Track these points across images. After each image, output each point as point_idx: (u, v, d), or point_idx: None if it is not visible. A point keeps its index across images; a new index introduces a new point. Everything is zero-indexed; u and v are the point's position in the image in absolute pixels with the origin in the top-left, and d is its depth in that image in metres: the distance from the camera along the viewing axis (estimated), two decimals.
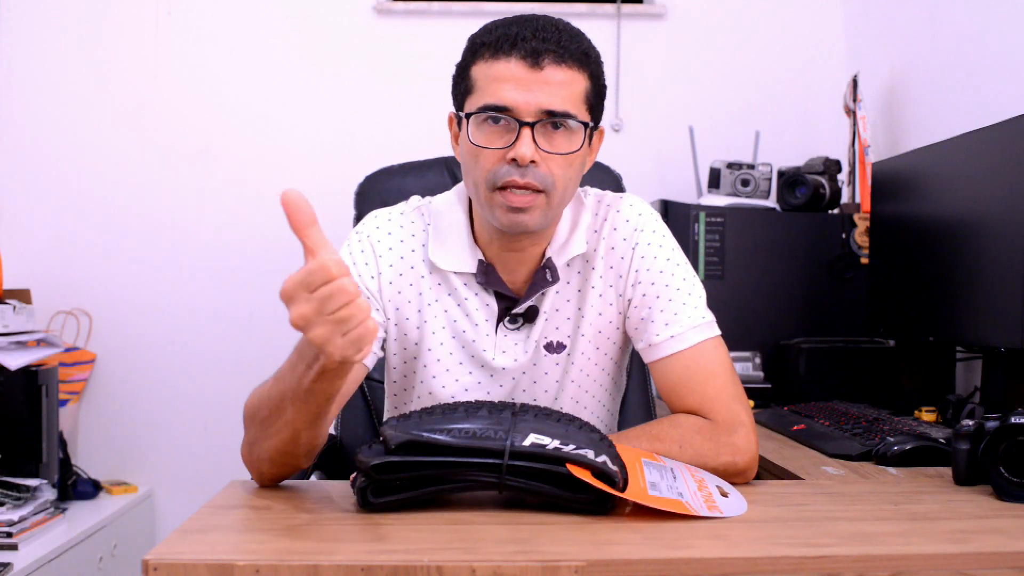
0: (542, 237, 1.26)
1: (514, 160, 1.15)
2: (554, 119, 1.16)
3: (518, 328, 1.29)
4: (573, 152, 1.18)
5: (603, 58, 1.24)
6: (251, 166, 2.69)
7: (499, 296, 1.28)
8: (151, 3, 2.67)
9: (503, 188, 1.17)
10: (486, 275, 1.27)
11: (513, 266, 1.27)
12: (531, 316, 1.28)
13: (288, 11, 2.70)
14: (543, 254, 1.27)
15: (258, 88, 2.70)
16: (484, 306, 1.28)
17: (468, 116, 1.19)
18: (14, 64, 2.66)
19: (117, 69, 2.67)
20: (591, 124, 1.20)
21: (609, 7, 2.71)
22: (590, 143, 1.23)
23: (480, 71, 1.18)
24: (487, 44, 1.18)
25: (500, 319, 1.29)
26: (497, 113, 1.16)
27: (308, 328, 0.90)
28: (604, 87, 1.24)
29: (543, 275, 1.26)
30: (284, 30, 2.70)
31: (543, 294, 1.28)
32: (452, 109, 1.25)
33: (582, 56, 1.18)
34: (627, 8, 2.71)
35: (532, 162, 1.15)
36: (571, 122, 1.17)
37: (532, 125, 1.15)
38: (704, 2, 2.75)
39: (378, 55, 2.70)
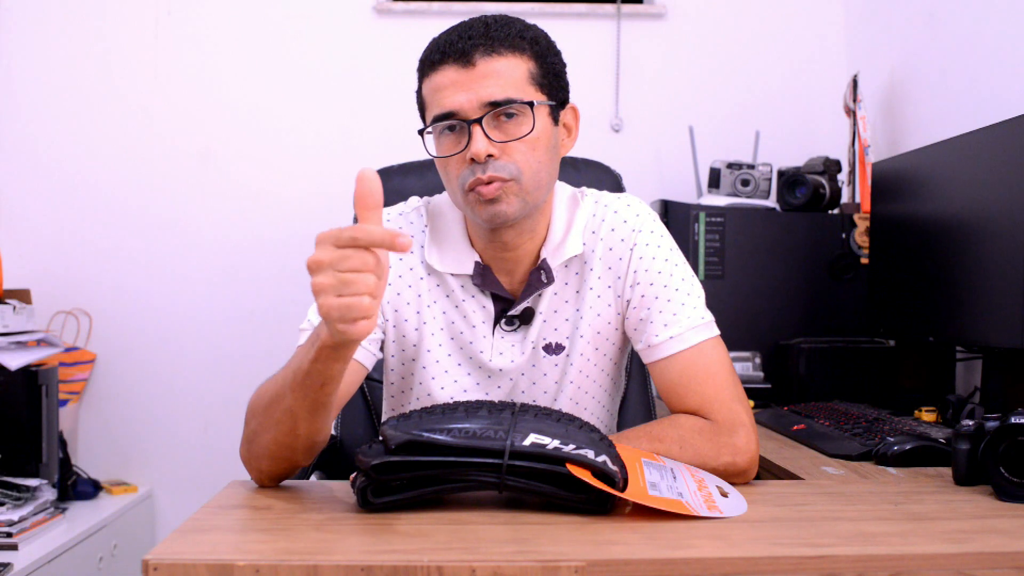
0: (532, 233, 1.26)
1: (473, 159, 1.16)
2: (498, 108, 1.16)
3: (515, 330, 1.29)
4: (527, 135, 1.18)
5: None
6: (251, 166, 2.69)
7: (495, 298, 1.28)
8: (151, 3, 2.67)
9: (472, 188, 1.18)
10: (482, 277, 1.27)
11: (509, 267, 1.27)
12: (527, 318, 1.28)
13: (288, 11, 2.70)
14: (538, 255, 1.27)
15: (258, 88, 2.70)
16: (481, 308, 1.28)
17: (423, 133, 1.22)
18: (15, 64, 2.66)
19: (117, 68, 2.67)
20: (538, 102, 1.19)
21: (609, 7, 2.71)
22: (556, 122, 1.23)
23: (426, 88, 1.21)
24: (425, 61, 1.21)
25: (497, 321, 1.29)
26: (445, 121, 1.17)
27: (314, 274, 0.91)
28: (556, 63, 1.23)
29: (538, 276, 1.26)
30: (284, 30, 2.70)
31: (539, 295, 1.28)
32: None
33: (515, 40, 1.18)
34: (627, 8, 2.71)
35: (491, 156, 1.16)
36: (517, 106, 1.17)
37: (479, 121, 1.16)
38: (704, 2, 2.75)
39: (378, 55, 2.70)
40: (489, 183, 1.17)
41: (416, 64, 1.24)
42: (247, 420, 1.11)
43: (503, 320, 1.28)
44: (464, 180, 1.18)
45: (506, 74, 1.17)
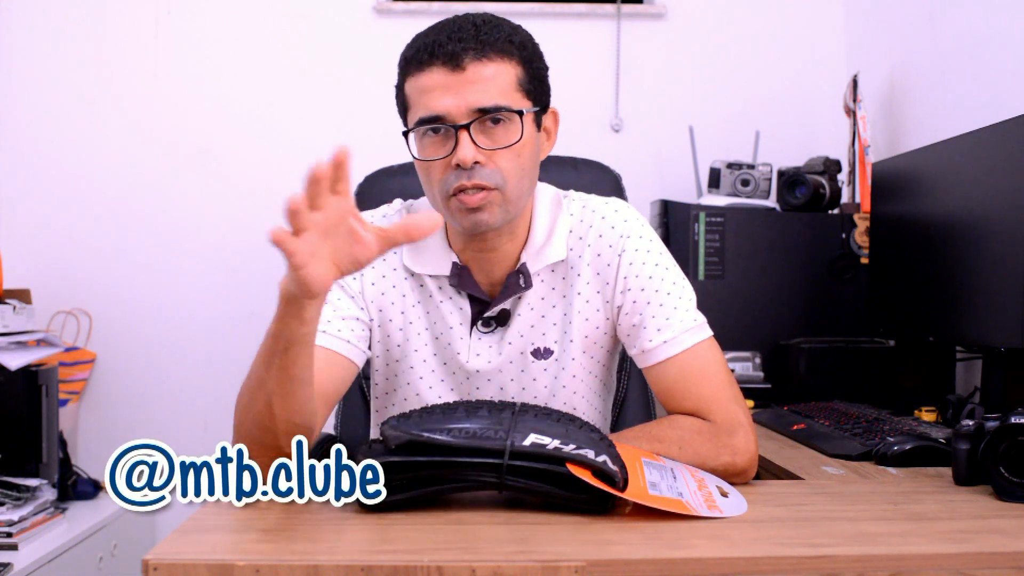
0: (512, 235, 1.26)
1: (458, 165, 1.15)
2: (487, 115, 1.16)
3: (491, 331, 1.29)
4: (515, 143, 1.17)
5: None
6: (251, 166, 2.69)
7: (472, 299, 1.28)
8: (151, 3, 2.67)
9: (456, 194, 1.17)
10: (459, 277, 1.27)
11: (487, 268, 1.27)
12: (503, 319, 1.28)
13: (288, 11, 2.70)
14: (518, 258, 1.27)
15: (258, 88, 2.70)
16: (458, 309, 1.28)
17: (407, 133, 1.21)
18: (14, 64, 2.65)
19: (117, 68, 2.67)
20: (526, 111, 1.18)
21: (609, 7, 2.71)
22: (539, 127, 1.23)
23: (410, 86, 1.19)
24: (411, 59, 1.19)
25: (474, 322, 1.29)
26: (431, 124, 1.16)
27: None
28: (541, 68, 1.22)
29: (516, 280, 1.26)
30: (284, 30, 2.70)
31: (519, 298, 1.28)
32: None
33: (505, 45, 1.17)
34: (627, 8, 2.71)
35: (477, 162, 1.15)
36: (504, 113, 1.16)
37: (467, 127, 1.15)
38: (704, 2, 2.75)
39: (378, 55, 2.69)
40: (474, 191, 1.16)
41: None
42: (234, 418, 1.12)
43: (479, 322, 1.28)
44: (448, 185, 1.17)
45: (495, 80, 1.16)
